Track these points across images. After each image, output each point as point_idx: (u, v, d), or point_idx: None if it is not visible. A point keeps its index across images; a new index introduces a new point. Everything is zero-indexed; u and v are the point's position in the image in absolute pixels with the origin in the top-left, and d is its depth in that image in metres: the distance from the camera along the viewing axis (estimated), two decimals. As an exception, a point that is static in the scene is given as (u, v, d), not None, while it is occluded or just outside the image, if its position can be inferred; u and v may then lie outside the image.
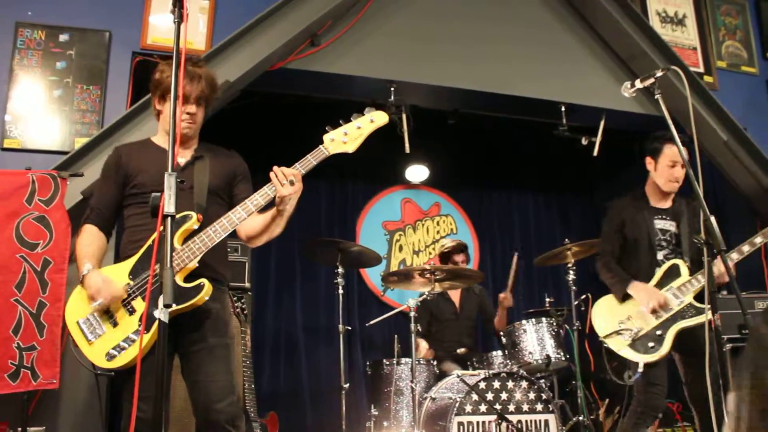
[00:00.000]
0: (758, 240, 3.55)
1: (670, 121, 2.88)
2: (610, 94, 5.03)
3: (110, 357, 2.47)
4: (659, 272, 3.75)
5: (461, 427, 4.05)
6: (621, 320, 3.69)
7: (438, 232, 6.89)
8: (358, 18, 4.57)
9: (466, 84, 4.85)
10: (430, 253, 6.78)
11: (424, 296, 4.67)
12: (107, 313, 2.54)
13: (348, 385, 4.60)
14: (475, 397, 4.11)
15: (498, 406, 4.11)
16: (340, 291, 4.74)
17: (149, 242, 2.57)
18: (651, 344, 3.59)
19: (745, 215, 5.48)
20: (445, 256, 5.55)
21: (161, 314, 1.72)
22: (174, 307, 2.33)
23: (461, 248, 5.60)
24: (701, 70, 5.63)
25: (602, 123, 5.24)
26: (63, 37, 4.10)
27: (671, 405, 4.96)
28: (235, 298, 4.26)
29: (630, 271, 3.79)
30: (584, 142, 5.32)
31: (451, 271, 4.65)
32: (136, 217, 2.71)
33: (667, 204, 3.92)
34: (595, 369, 4.41)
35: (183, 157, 2.82)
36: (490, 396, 4.15)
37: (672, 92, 4.37)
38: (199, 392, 2.57)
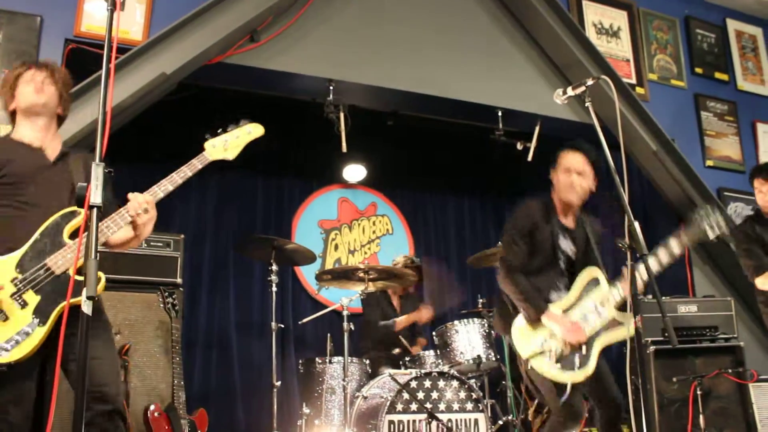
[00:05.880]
0: (676, 251, 3.39)
1: (599, 129, 2.95)
2: (545, 100, 5.14)
3: (3, 350, 2.39)
4: (580, 283, 3.58)
5: (392, 425, 4.07)
6: (544, 338, 3.42)
7: (374, 232, 6.91)
8: (298, 16, 4.55)
9: (405, 86, 4.88)
10: (365, 253, 6.79)
11: (357, 295, 4.69)
12: None
13: (280, 382, 4.58)
14: (406, 396, 4.14)
15: (429, 405, 4.15)
16: (274, 288, 4.72)
17: (36, 235, 2.54)
18: (577, 362, 3.41)
19: (671, 222, 5.67)
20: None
21: (85, 306, 1.69)
22: (73, 300, 2.30)
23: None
24: (633, 81, 5.81)
25: (537, 129, 5.35)
26: (-10, 19, 3.96)
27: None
28: (166, 294, 4.20)
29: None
30: (519, 147, 5.43)
31: (385, 272, 4.68)
32: (3, 209, 2.62)
33: (570, 223, 3.69)
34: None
35: (50, 149, 2.80)
36: (421, 395, 4.18)
37: (604, 101, 4.47)
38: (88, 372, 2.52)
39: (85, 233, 2.39)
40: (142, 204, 2.59)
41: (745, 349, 4.70)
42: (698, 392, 4.40)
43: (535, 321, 3.43)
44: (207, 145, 2.88)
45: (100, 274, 2.45)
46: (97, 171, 1.76)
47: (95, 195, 1.72)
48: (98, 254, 1.86)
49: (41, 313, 2.44)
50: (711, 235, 3.33)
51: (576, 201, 3.59)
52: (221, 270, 6.11)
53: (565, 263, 3.63)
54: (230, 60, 4.37)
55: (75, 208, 2.59)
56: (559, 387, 3.36)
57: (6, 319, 2.44)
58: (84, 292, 1.70)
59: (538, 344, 3.41)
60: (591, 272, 3.56)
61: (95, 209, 1.75)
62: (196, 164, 2.80)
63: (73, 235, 2.57)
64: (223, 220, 6.20)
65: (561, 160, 3.62)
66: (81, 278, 2.37)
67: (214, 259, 6.09)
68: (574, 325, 3.38)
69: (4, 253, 2.53)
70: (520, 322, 3.49)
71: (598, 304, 3.48)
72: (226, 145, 2.91)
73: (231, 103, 5.26)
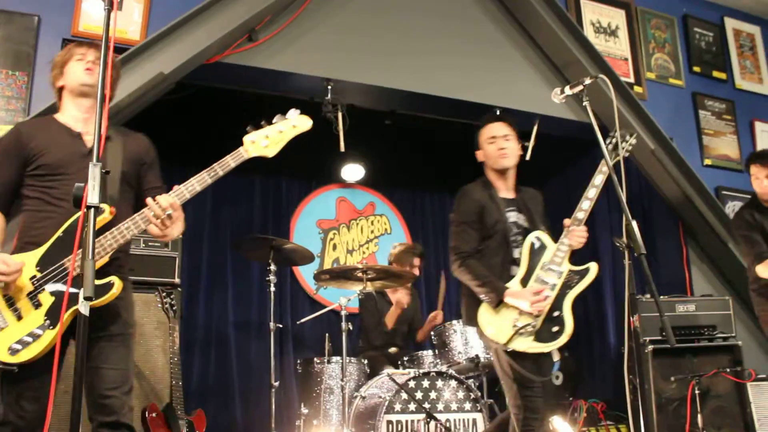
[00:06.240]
0: (598, 181, 3.36)
1: (597, 128, 2.95)
2: (543, 100, 5.12)
3: (13, 351, 2.35)
4: (525, 250, 3.46)
5: (390, 425, 4.07)
6: (514, 319, 3.30)
7: (372, 231, 6.91)
8: (296, 15, 4.55)
9: (403, 85, 4.88)
10: (363, 253, 6.79)
11: (356, 295, 4.68)
12: (11, 306, 2.41)
13: (278, 383, 4.57)
14: (404, 395, 4.14)
15: (427, 405, 4.15)
16: (272, 288, 4.71)
17: (59, 233, 2.47)
18: (555, 328, 3.31)
19: (670, 220, 5.67)
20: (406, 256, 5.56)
21: (82, 307, 1.68)
22: (70, 311, 2.28)
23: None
24: (631, 80, 5.81)
25: (535, 128, 5.35)
26: (-14, 19, 3.95)
27: (596, 404, 5.09)
28: (164, 294, 4.19)
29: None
30: (518, 146, 5.41)
31: (383, 271, 4.67)
32: (36, 202, 2.57)
33: (511, 194, 3.69)
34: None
35: (89, 134, 2.66)
36: (419, 395, 4.18)
37: (602, 100, 4.49)
38: (96, 377, 2.49)
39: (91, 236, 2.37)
40: (166, 209, 2.45)
41: (743, 348, 4.71)
42: (696, 391, 4.40)
43: (498, 303, 3.34)
44: (246, 140, 2.62)
45: (115, 279, 2.44)
46: (95, 171, 1.76)
47: (92, 195, 1.71)
48: (94, 255, 1.86)
49: (52, 315, 2.38)
50: (625, 154, 3.38)
51: (511, 165, 3.66)
52: (219, 270, 6.11)
53: (522, 235, 3.56)
54: (228, 59, 4.36)
55: (101, 204, 2.51)
56: (523, 379, 3.28)
57: (20, 318, 2.40)
58: (81, 293, 1.69)
59: (510, 326, 3.29)
60: (531, 236, 3.49)
61: (92, 209, 1.74)
62: (229, 162, 2.57)
63: (99, 231, 2.44)
64: (221, 220, 6.20)
65: (482, 134, 3.67)
66: (97, 282, 2.34)
67: (213, 259, 6.09)
68: (536, 294, 3.29)
69: (29, 249, 2.49)
70: (485, 310, 3.38)
71: (550, 264, 3.38)
72: (268, 140, 2.63)
73: (229, 103, 5.26)
